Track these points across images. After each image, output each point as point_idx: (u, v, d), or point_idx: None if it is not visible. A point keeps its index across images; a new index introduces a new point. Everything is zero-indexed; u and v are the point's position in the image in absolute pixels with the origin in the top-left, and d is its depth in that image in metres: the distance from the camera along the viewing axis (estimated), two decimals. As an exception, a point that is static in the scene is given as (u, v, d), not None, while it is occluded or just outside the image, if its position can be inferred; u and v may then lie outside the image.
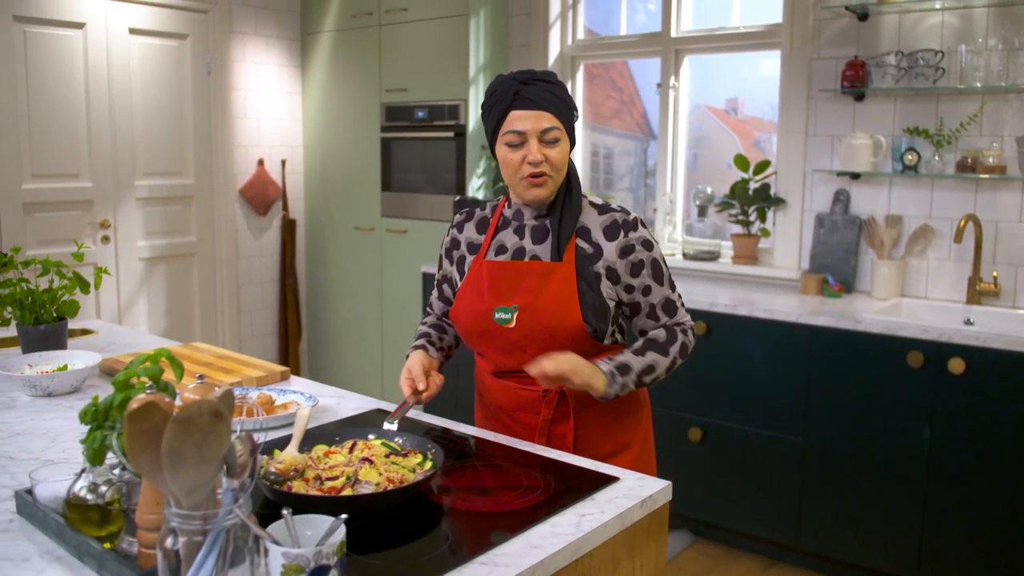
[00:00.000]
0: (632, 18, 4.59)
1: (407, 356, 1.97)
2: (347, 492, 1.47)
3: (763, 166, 3.89)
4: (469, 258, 1.97)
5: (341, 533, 1.14)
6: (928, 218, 3.56)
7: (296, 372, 5.43)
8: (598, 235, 1.85)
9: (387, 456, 1.62)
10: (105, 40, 4.44)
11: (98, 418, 1.28)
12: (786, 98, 3.85)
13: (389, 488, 1.47)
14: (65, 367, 2.23)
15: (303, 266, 5.52)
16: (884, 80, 3.53)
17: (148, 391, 1.24)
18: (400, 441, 1.71)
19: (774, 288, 3.81)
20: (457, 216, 2.05)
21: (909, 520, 3.07)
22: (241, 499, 1.07)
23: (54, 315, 2.43)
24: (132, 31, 4.54)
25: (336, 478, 1.50)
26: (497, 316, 1.85)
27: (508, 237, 1.92)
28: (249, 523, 1.07)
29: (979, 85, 3.32)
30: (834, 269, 3.72)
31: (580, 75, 4.68)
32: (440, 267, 2.07)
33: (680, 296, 1.95)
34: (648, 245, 1.87)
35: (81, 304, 2.62)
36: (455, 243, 2.02)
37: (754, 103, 4.60)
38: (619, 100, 4.87)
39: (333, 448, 1.67)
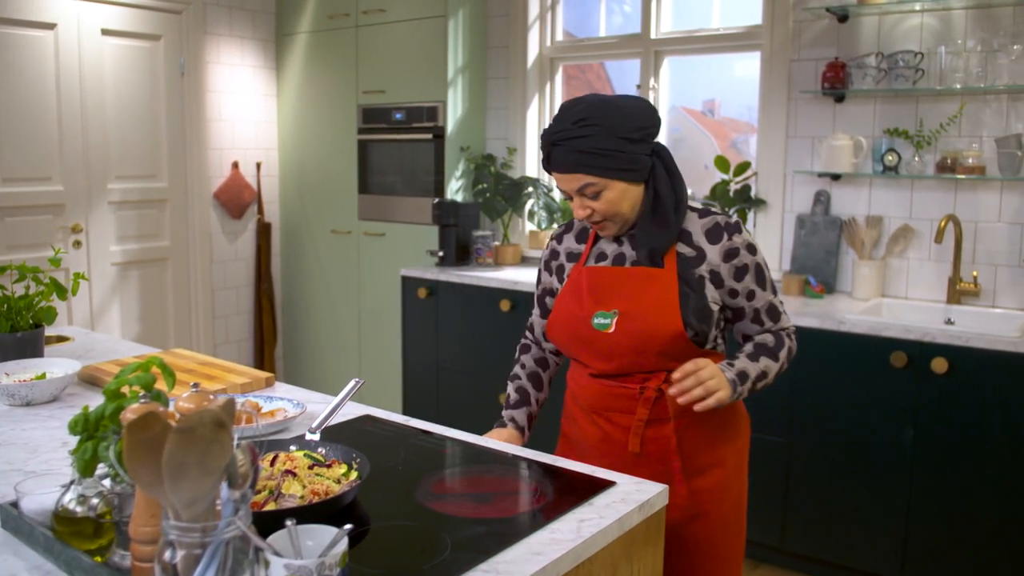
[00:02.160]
0: (609, 19, 4.59)
1: (500, 420, 2.00)
2: (270, 506, 1.41)
3: (743, 167, 3.90)
4: (568, 266, 1.96)
5: (344, 544, 1.11)
6: (908, 219, 3.58)
7: (273, 377, 5.37)
8: (700, 239, 1.83)
9: (311, 468, 1.55)
10: (77, 41, 4.36)
11: (89, 428, 1.24)
12: (766, 99, 3.86)
13: (314, 500, 1.42)
14: (44, 375, 2.17)
15: (279, 270, 5.46)
16: (864, 81, 3.54)
17: (142, 400, 1.20)
18: (324, 452, 1.64)
19: (755, 289, 3.82)
20: (556, 228, 2.06)
21: (893, 520, 3.08)
22: (242, 510, 1.04)
23: (31, 322, 2.38)
24: (104, 32, 4.47)
25: (258, 492, 1.44)
26: (596, 321, 1.83)
27: (608, 245, 1.92)
28: (250, 534, 1.04)
29: (958, 86, 3.35)
30: (815, 270, 3.73)
31: (559, 77, 4.67)
32: (539, 283, 2.06)
33: (782, 302, 1.93)
34: (752, 249, 1.84)
35: (56, 311, 2.56)
36: (554, 254, 2.01)
37: (730, 105, 4.62)
38: (597, 102, 4.86)
39: None
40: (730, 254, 1.81)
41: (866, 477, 3.12)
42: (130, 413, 1.07)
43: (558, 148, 1.77)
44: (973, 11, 3.35)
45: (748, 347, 1.86)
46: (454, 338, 4.23)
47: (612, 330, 1.82)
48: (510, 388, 2.06)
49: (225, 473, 1.02)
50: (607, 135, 1.73)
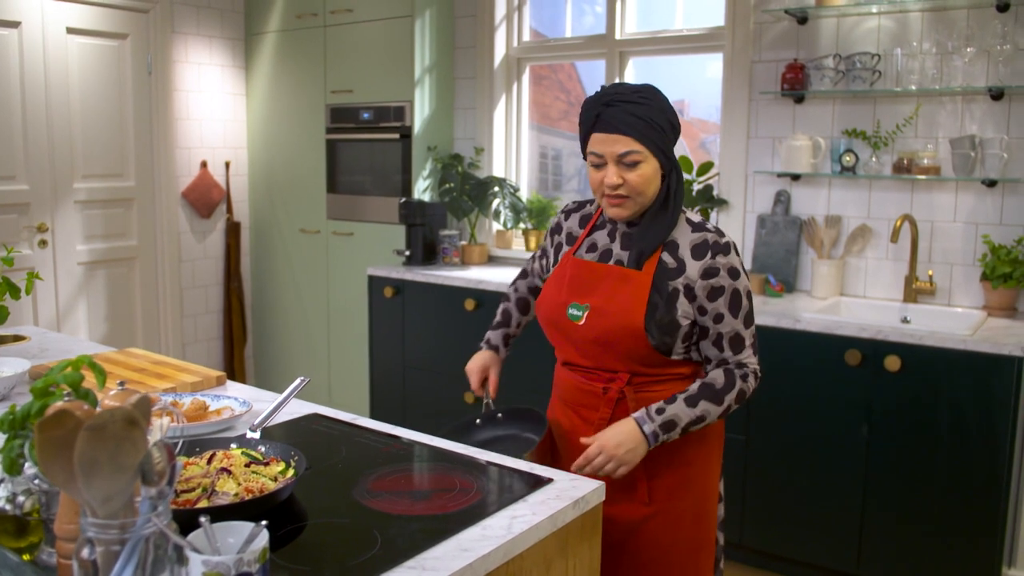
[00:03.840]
0: (579, 20, 4.61)
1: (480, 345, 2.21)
2: (203, 504, 1.41)
3: (706, 167, 3.93)
4: (565, 248, 2.04)
5: (263, 539, 1.12)
6: (866, 218, 3.63)
7: (242, 377, 5.36)
8: (685, 251, 1.84)
9: (247, 466, 1.56)
10: (42, 39, 4.34)
11: (15, 426, 1.25)
12: (728, 100, 3.89)
13: (247, 498, 1.42)
14: (-7, 374, 2.17)
15: (248, 269, 5.45)
16: (823, 83, 3.58)
17: (67, 399, 1.21)
18: (263, 449, 1.64)
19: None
20: (569, 204, 2.11)
21: (849, 515, 3.12)
22: (160, 507, 1.05)
23: (-17, 321, 2.37)
24: (70, 30, 4.45)
25: (192, 490, 1.45)
26: (570, 312, 1.90)
27: (601, 237, 1.97)
28: (167, 531, 1.05)
29: (914, 88, 3.39)
30: (775, 269, 3.77)
31: (526, 77, 4.69)
32: (544, 240, 2.16)
33: (755, 337, 1.90)
34: (734, 274, 1.84)
35: (16, 310, 2.55)
36: (559, 227, 2.09)
37: (700, 105, 4.64)
38: (567, 102, 4.89)
39: (191, 459, 1.59)
40: (709, 272, 1.82)
41: (822, 473, 3.16)
42: (48, 412, 1.08)
43: (612, 108, 1.79)
44: (929, 14, 3.40)
45: (693, 388, 1.84)
46: (420, 337, 4.24)
47: (582, 323, 1.87)
48: (499, 309, 2.25)
49: (139, 470, 1.03)
50: (659, 113, 1.80)
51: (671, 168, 1.86)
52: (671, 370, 1.89)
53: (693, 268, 1.83)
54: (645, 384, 1.89)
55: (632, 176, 1.80)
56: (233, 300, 5.30)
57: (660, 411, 1.80)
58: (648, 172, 1.81)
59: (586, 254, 1.97)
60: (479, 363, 2.16)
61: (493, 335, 2.21)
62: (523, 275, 2.25)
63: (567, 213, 2.08)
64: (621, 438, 1.78)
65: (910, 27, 3.44)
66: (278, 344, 5.35)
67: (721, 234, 1.86)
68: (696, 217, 1.92)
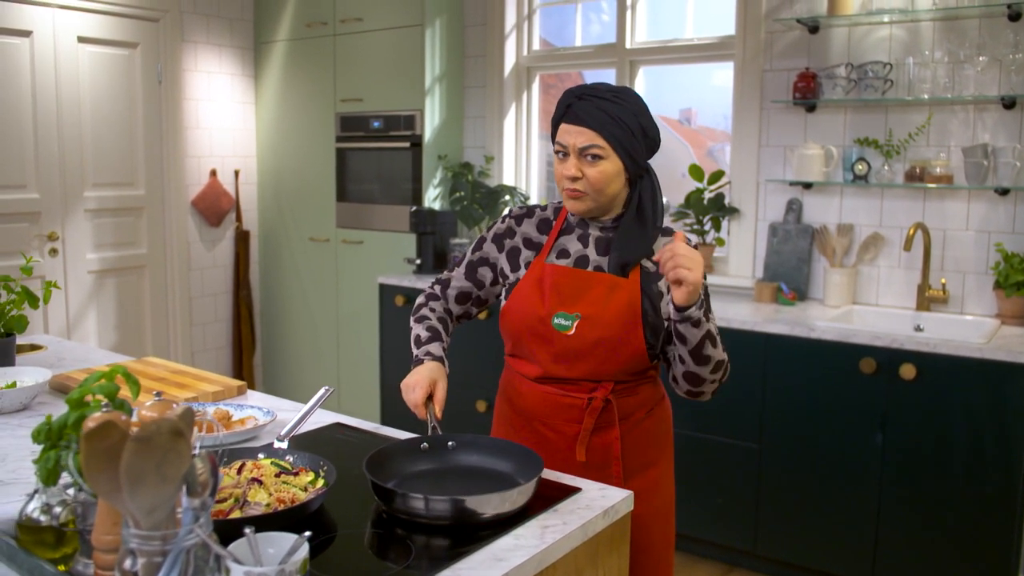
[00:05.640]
0: (586, 29, 4.62)
1: (416, 358, 1.90)
2: (235, 514, 1.41)
3: (717, 176, 3.93)
4: (526, 253, 1.94)
5: (304, 551, 1.12)
6: (878, 227, 3.63)
7: (251, 386, 5.36)
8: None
9: (277, 475, 1.56)
10: (53, 48, 4.35)
11: (52, 437, 1.25)
12: (739, 109, 3.90)
13: (279, 508, 1.43)
14: (14, 384, 2.17)
15: (257, 278, 5.45)
16: (834, 91, 3.59)
17: (104, 409, 1.21)
18: (291, 460, 1.65)
19: (729, 296, 3.85)
20: (515, 209, 2.01)
21: (863, 524, 3.12)
22: (202, 518, 1.06)
23: (2, 331, 2.37)
24: (81, 39, 4.46)
25: (224, 500, 1.45)
26: (556, 322, 1.84)
27: (571, 243, 1.91)
28: (210, 542, 1.05)
29: (926, 97, 3.40)
30: (788, 277, 3.77)
31: (536, 86, 4.70)
32: (478, 249, 2.00)
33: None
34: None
35: (29, 319, 2.55)
36: (510, 232, 1.97)
37: (707, 113, 4.65)
38: (574, 110, 4.89)
39: (221, 469, 1.60)
40: None
41: (837, 481, 3.16)
42: (90, 422, 1.08)
43: (584, 102, 1.79)
44: (940, 23, 3.41)
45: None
46: (431, 345, 4.23)
47: (572, 332, 1.83)
48: (419, 328, 1.96)
49: (184, 481, 1.04)
50: (631, 116, 1.79)
51: (639, 174, 1.85)
52: (647, 374, 1.90)
53: None
54: (626, 390, 1.88)
55: (592, 171, 1.79)
56: (242, 308, 5.30)
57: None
58: (609, 170, 1.79)
59: (558, 260, 1.90)
60: (425, 375, 1.83)
61: (432, 347, 1.91)
62: (433, 297, 2.05)
63: (517, 218, 1.98)
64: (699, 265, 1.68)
65: (922, 36, 3.45)
66: (287, 353, 5.35)
67: (688, 238, 1.86)
68: (666, 224, 1.94)
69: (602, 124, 1.77)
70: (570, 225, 1.94)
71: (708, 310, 1.81)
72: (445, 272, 2.07)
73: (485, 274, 2.00)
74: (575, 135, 1.79)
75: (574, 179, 1.80)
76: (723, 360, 1.83)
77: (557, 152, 1.84)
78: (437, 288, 2.06)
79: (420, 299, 2.05)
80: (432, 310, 2.01)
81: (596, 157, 1.78)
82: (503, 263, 1.97)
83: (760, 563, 3.43)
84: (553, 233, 1.93)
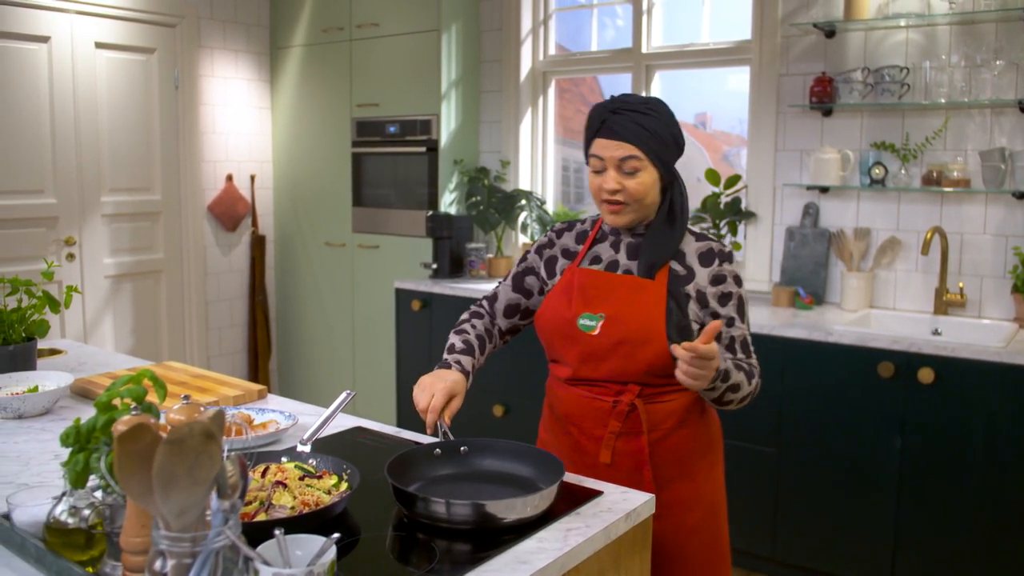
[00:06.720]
0: (601, 34, 4.63)
1: (444, 361, 1.92)
2: (260, 517, 1.42)
3: (734, 180, 3.93)
4: (562, 261, 2.01)
5: (332, 553, 1.13)
6: (895, 231, 3.62)
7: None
8: (692, 259, 1.89)
9: (301, 479, 1.57)
10: (70, 54, 4.38)
11: (81, 440, 1.26)
12: (756, 113, 3.89)
13: (304, 511, 1.44)
14: (36, 388, 2.19)
15: (273, 282, 5.48)
16: (851, 96, 3.58)
17: (133, 412, 1.22)
18: (314, 463, 1.66)
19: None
20: (558, 224, 2.08)
21: (882, 528, 3.11)
22: (231, 520, 1.06)
23: (23, 335, 2.39)
24: (98, 45, 4.49)
25: (249, 503, 1.46)
26: (581, 322, 1.88)
27: (604, 250, 1.96)
28: (239, 544, 1.06)
29: (943, 101, 3.39)
30: (805, 281, 3.76)
31: (551, 90, 4.71)
32: (523, 261, 2.07)
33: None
34: (739, 281, 1.90)
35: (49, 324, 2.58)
36: (550, 243, 2.05)
37: (722, 118, 4.65)
38: (589, 115, 4.90)
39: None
40: (718, 279, 1.87)
41: (855, 485, 3.15)
42: (121, 425, 1.09)
43: (619, 116, 1.82)
44: (957, 27, 3.40)
45: (729, 361, 1.82)
46: (446, 350, 4.24)
47: (597, 332, 1.86)
48: (456, 339, 1.99)
49: (214, 484, 1.04)
50: (664, 126, 1.84)
51: (671, 181, 1.90)
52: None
53: (702, 275, 1.88)
54: (655, 396, 1.88)
55: (631, 183, 1.83)
56: (258, 313, 5.33)
57: (723, 358, 1.76)
58: (647, 181, 1.84)
59: (591, 266, 1.96)
60: (444, 385, 1.83)
61: (464, 359, 1.93)
62: (477, 315, 2.08)
63: (558, 232, 2.06)
64: (716, 362, 1.68)
65: (938, 40, 3.44)
66: (303, 357, 5.37)
67: (723, 244, 1.93)
68: (696, 229, 1.97)
69: (639, 137, 1.81)
70: (604, 233, 1.99)
71: (742, 320, 1.87)
72: (492, 290, 2.13)
73: (532, 284, 2.06)
74: (613, 149, 1.82)
75: (614, 191, 1.84)
76: (748, 393, 1.84)
77: (594, 168, 1.87)
78: (484, 305, 2.10)
79: (464, 315, 2.10)
80: (473, 326, 2.05)
81: (635, 170, 1.83)
82: (543, 271, 2.04)
83: (778, 568, 3.42)
84: (588, 241, 1.99)
